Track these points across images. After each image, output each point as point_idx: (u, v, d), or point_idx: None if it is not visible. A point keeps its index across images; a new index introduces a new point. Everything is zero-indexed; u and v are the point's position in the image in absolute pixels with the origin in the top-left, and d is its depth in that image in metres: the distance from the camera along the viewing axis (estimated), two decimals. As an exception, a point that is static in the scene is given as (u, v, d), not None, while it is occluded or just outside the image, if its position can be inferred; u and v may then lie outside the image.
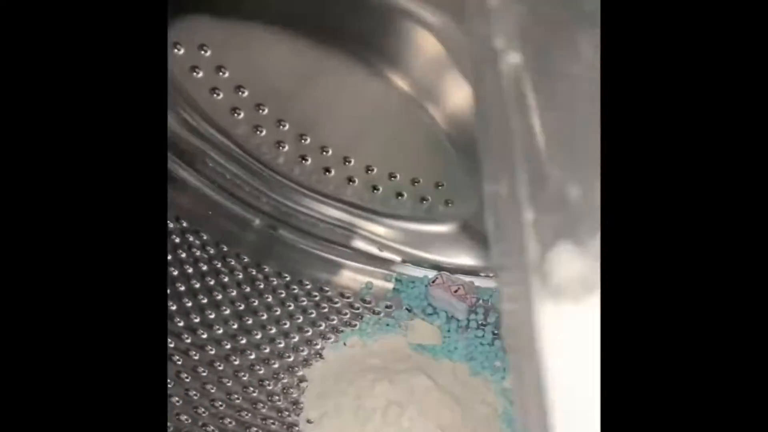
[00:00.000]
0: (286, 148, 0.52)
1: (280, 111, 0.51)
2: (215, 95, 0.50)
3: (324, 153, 0.52)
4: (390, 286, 0.54)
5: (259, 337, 0.49)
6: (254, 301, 0.50)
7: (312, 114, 0.51)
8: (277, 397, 0.46)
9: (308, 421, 0.44)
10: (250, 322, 0.49)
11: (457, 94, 0.47)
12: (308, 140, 0.52)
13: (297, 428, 0.44)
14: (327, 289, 0.53)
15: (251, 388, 0.46)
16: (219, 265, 0.50)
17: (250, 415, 0.44)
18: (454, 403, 0.44)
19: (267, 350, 0.48)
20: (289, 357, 0.49)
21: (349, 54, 0.48)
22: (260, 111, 0.50)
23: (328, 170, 0.53)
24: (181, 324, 0.47)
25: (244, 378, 0.46)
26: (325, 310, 0.52)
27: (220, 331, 0.48)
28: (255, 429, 0.44)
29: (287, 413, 0.45)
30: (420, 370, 0.45)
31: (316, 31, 0.47)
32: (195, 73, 0.48)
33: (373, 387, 0.43)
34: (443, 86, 0.48)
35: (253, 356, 0.47)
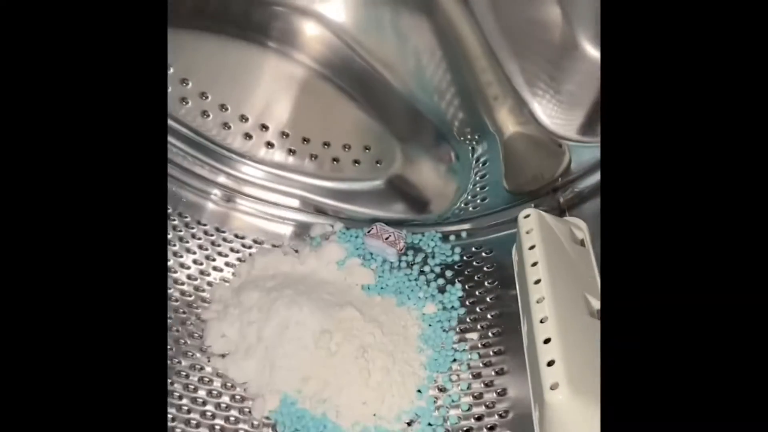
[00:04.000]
0: (232, 128, 0.60)
1: (222, 97, 0.58)
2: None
3: (263, 130, 0.60)
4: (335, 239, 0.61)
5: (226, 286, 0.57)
6: (214, 259, 0.58)
7: (250, 97, 0.59)
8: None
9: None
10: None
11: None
12: (249, 120, 0.59)
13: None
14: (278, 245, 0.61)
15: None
16: (182, 232, 0.59)
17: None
18: (376, 328, 0.51)
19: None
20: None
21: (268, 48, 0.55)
22: (204, 99, 0.58)
23: (270, 144, 0.61)
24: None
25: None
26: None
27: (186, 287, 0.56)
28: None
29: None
30: (349, 304, 0.52)
31: (241, 31, 0.54)
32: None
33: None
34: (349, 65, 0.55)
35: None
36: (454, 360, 0.50)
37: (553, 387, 0.40)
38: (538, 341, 0.43)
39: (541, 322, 0.44)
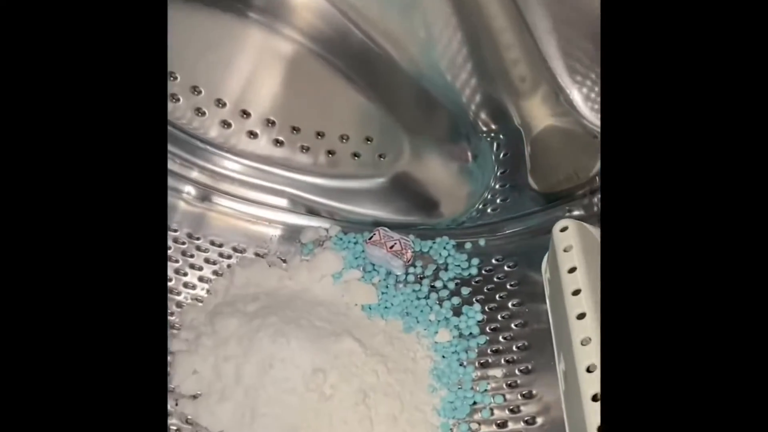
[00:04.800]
0: (207, 114, 0.50)
1: (193, 78, 0.49)
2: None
3: (244, 117, 0.50)
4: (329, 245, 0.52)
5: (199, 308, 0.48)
6: (186, 273, 0.49)
7: (228, 78, 0.49)
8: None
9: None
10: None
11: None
12: (227, 105, 0.50)
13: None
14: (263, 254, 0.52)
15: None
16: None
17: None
18: (380, 364, 0.42)
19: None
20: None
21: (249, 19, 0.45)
22: (173, 80, 0.48)
23: (253, 134, 0.51)
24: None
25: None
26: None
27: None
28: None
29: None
30: (347, 333, 0.44)
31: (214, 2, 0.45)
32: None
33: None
34: (347, 39, 0.45)
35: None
36: (474, 403, 0.42)
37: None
38: (584, 396, 0.34)
39: (588, 371, 0.35)
